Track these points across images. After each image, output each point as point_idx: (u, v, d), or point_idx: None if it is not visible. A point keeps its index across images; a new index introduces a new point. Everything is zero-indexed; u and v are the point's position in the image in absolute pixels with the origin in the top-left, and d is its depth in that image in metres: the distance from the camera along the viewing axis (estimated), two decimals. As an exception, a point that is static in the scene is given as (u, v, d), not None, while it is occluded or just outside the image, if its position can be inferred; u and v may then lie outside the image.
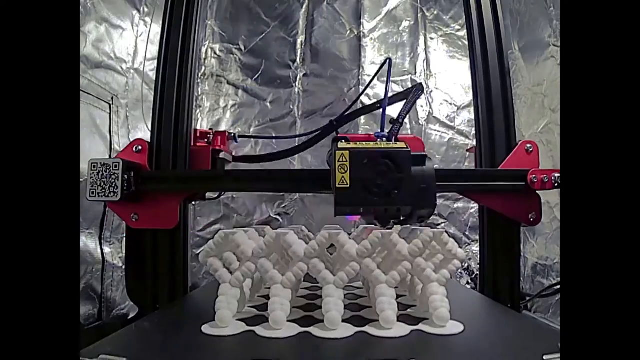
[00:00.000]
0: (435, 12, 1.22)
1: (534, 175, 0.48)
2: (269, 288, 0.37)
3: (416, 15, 1.21)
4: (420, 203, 0.38)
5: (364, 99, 1.16)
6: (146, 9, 0.88)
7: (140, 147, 0.51)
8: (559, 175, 0.48)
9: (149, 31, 0.88)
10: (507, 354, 0.30)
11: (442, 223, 1.11)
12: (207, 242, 0.38)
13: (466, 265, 1.08)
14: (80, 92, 0.65)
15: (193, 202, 0.96)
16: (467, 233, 1.11)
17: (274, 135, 1.12)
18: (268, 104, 1.14)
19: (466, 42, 0.57)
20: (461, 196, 1.12)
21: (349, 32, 1.18)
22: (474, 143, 0.55)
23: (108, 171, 0.45)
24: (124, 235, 0.54)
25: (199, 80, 1.12)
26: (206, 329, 0.35)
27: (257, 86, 1.15)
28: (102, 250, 0.69)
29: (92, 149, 0.69)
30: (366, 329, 0.35)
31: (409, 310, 0.41)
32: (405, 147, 0.38)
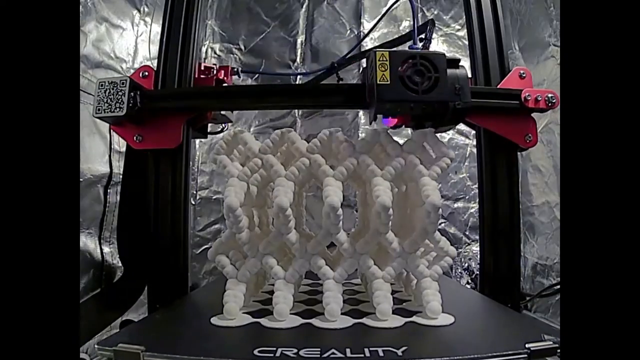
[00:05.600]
0: (435, 12, 1.22)
1: (527, 94, 0.49)
2: (273, 284, 0.39)
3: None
4: (455, 100, 0.41)
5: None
6: (146, 9, 0.88)
7: (146, 73, 0.53)
8: (551, 95, 0.49)
9: (149, 31, 0.88)
10: (491, 343, 0.32)
11: (442, 223, 1.11)
12: (208, 241, 0.39)
13: (466, 265, 1.08)
14: (80, 92, 0.65)
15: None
16: (467, 233, 1.11)
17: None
18: (267, 104, 1.14)
19: (466, 42, 0.57)
20: (461, 195, 1.12)
21: (349, 32, 1.17)
22: (474, 143, 0.55)
23: (115, 88, 0.47)
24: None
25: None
26: (215, 320, 0.37)
27: (257, 86, 1.15)
28: (101, 250, 0.69)
29: (92, 149, 0.69)
30: (363, 320, 0.37)
31: (404, 304, 0.43)
32: (441, 53, 0.42)
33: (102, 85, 0.47)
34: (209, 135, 0.67)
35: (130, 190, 0.57)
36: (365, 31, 1.18)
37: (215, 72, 0.59)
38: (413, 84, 0.40)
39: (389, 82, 0.40)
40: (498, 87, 0.52)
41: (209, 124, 0.64)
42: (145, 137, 0.51)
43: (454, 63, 0.42)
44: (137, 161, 0.54)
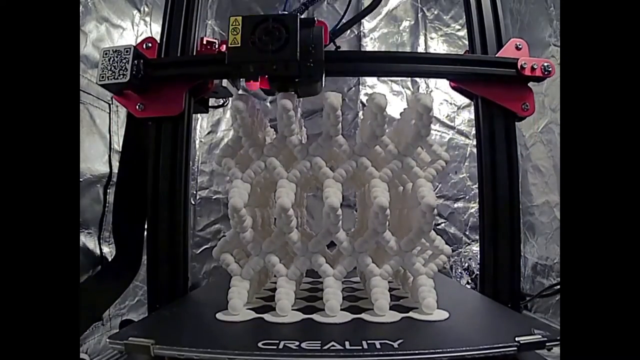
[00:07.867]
0: (436, 12, 1.22)
1: (523, 62, 0.50)
2: (274, 282, 0.41)
3: (416, 15, 1.21)
4: (307, 58, 0.42)
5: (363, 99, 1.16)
6: (146, 9, 0.88)
7: (150, 44, 0.54)
8: (547, 64, 0.50)
9: (149, 31, 0.88)
10: (483, 336, 0.34)
11: (442, 223, 1.11)
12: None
13: (466, 265, 1.08)
14: (80, 92, 0.65)
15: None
16: (467, 233, 1.11)
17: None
18: (268, 104, 1.14)
19: (466, 42, 0.57)
20: (461, 195, 1.13)
21: (349, 31, 1.17)
22: (474, 143, 0.55)
23: (119, 56, 0.48)
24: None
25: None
26: (220, 316, 0.38)
27: (257, 86, 1.15)
28: (101, 250, 0.69)
29: (91, 148, 0.69)
30: (362, 315, 0.39)
31: (401, 300, 0.44)
32: (294, 14, 0.43)
33: (106, 53, 0.48)
34: (209, 135, 0.67)
35: (129, 160, 0.56)
36: (366, 31, 1.18)
37: (217, 45, 0.60)
38: (264, 45, 0.41)
39: (239, 45, 0.41)
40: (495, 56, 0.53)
41: (211, 98, 0.64)
42: (147, 106, 0.51)
43: (309, 23, 0.43)
44: (136, 134, 0.54)
